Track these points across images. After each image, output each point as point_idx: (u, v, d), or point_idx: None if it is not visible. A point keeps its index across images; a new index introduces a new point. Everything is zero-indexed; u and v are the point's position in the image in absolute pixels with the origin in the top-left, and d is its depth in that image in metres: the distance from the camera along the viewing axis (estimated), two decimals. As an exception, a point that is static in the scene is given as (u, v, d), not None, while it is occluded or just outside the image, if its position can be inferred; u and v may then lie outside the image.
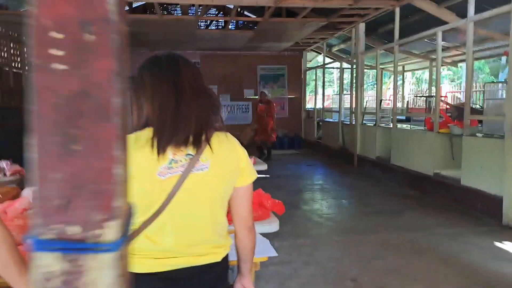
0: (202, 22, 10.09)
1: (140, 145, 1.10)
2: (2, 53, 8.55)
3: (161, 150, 1.09)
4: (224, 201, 1.24)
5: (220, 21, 9.88)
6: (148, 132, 1.12)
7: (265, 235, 2.10)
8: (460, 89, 18.00)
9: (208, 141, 1.16)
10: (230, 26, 9.69)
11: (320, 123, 11.21)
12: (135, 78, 1.18)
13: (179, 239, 1.16)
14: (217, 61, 11.94)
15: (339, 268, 3.46)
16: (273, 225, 2.13)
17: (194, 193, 1.16)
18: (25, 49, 9.53)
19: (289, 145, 11.79)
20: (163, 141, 1.10)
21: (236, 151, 1.24)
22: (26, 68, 9.48)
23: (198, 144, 1.14)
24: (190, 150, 1.14)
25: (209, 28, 10.06)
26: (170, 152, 1.12)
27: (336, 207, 5.49)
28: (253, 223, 1.32)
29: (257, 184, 1.30)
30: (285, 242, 4.02)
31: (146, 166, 1.10)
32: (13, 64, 8.91)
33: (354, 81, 8.90)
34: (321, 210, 5.35)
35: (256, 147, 9.40)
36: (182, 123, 1.12)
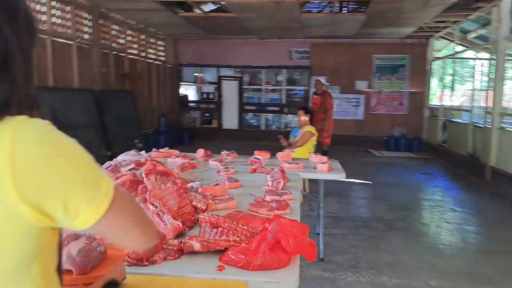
0: (315, 8, 9.19)
1: None
2: (119, 40, 8.96)
3: None
4: None
5: (332, 5, 8.80)
6: None
7: None
8: None
9: None
10: (341, 10, 8.59)
11: (446, 123, 9.44)
12: None
13: None
14: (327, 50, 11.08)
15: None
16: (284, 285, 1.24)
17: None
18: (141, 36, 9.92)
19: (406, 147, 10.41)
20: None
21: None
22: (142, 54, 9.88)
23: None
24: None
25: (322, 12, 9.06)
26: None
27: (449, 236, 4.15)
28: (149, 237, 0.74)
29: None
30: (362, 278, 3.01)
31: None
32: (128, 51, 9.31)
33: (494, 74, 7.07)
34: (427, 236, 4.10)
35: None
36: None
